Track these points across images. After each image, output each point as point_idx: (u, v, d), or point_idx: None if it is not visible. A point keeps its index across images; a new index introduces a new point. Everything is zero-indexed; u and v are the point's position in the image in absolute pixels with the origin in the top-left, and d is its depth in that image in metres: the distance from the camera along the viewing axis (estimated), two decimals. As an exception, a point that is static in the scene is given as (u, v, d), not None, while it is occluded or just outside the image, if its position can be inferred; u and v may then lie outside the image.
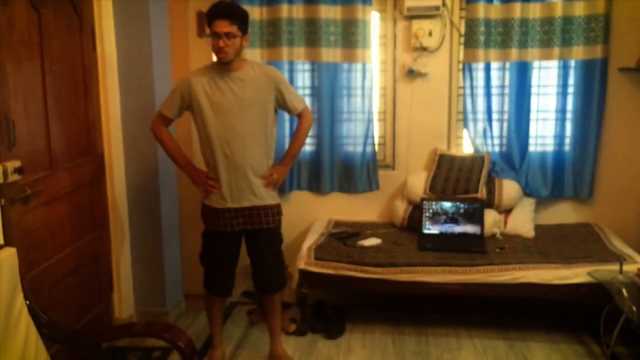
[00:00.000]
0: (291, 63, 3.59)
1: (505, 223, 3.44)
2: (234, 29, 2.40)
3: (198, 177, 2.58)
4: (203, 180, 2.55)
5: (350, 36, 3.55)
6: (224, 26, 2.38)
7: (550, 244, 3.24)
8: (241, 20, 2.44)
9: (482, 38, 3.46)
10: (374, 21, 3.63)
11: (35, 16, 2.32)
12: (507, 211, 3.49)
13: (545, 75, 3.58)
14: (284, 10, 3.48)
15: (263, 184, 2.55)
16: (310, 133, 3.62)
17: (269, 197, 2.58)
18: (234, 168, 2.49)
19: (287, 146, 3.02)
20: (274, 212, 2.59)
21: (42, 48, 2.37)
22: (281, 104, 2.61)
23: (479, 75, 3.55)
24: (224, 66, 2.48)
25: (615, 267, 2.77)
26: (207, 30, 2.51)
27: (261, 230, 2.57)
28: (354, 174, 3.72)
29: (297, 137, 2.72)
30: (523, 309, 3.31)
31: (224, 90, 2.47)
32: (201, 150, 2.60)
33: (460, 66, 3.61)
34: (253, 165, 2.52)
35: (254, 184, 2.53)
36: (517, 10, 3.42)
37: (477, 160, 3.54)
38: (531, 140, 3.62)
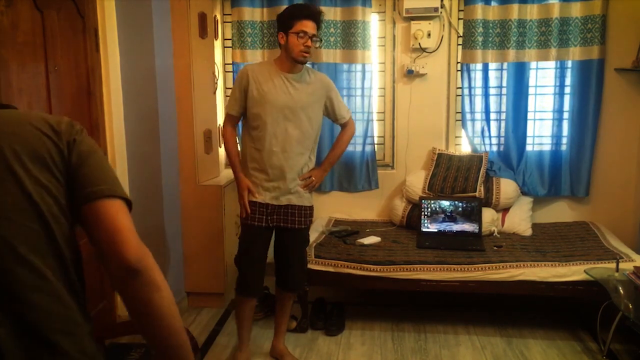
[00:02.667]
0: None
1: (503, 221, 3.47)
2: (318, 33, 2.48)
3: (241, 189, 2.57)
4: (243, 196, 2.55)
5: (350, 37, 3.58)
6: (313, 28, 2.45)
7: (548, 242, 3.27)
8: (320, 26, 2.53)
9: (480, 39, 3.49)
10: (374, 22, 3.67)
11: (39, 17, 2.34)
12: (505, 210, 3.52)
13: (543, 76, 3.62)
14: (284, 11, 3.51)
15: (301, 185, 2.58)
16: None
17: (305, 199, 2.61)
18: (279, 166, 2.52)
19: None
20: (307, 213, 2.64)
21: (45, 49, 2.39)
22: (329, 112, 2.66)
23: (477, 76, 3.58)
24: (285, 65, 2.50)
25: (611, 265, 2.80)
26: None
27: (293, 230, 2.61)
28: (353, 173, 3.76)
29: (338, 145, 2.76)
30: (521, 306, 3.34)
31: (279, 90, 2.49)
32: (245, 143, 2.59)
33: (459, 67, 3.64)
34: (298, 166, 2.55)
35: (295, 184, 2.56)
36: (514, 12, 3.45)
37: (475, 159, 3.57)
38: (528, 140, 3.67)
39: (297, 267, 2.71)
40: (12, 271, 0.87)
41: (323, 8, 3.52)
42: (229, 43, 3.75)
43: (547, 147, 3.68)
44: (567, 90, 3.58)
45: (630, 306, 2.54)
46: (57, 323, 0.91)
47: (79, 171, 0.96)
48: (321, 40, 2.54)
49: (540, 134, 3.69)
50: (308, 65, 2.62)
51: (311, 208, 2.67)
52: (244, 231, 2.65)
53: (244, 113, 2.58)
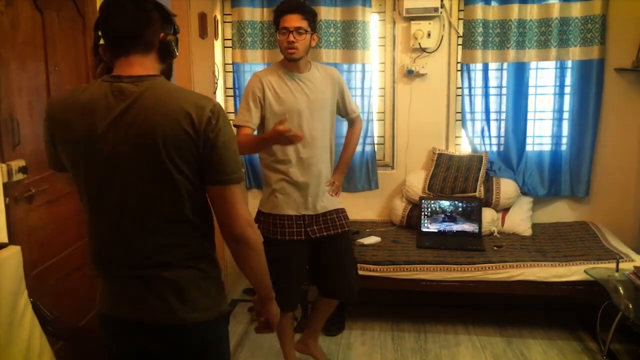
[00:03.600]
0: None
1: (503, 221, 3.47)
2: (304, 24, 2.31)
3: (279, 135, 2.11)
4: (282, 134, 2.09)
5: (350, 37, 3.58)
6: (294, 20, 2.29)
7: (548, 242, 3.27)
8: (311, 16, 2.35)
9: (480, 39, 3.49)
10: (374, 22, 3.66)
11: (39, 17, 2.34)
12: (505, 210, 3.52)
13: (543, 76, 3.63)
14: (284, 11, 3.51)
15: (329, 191, 2.47)
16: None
17: (337, 202, 2.51)
18: (309, 173, 2.38)
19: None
20: (345, 215, 2.52)
21: (45, 48, 2.38)
22: (340, 107, 2.53)
23: (477, 76, 3.58)
24: (292, 66, 2.36)
25: (611, 265, 2.81)
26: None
27: (339, 235, 2.46)
28: (353, 173, 3.75)
29: (351, 143, 2.65)
30: (520, 306, 3.34)
31: (296, 92, 2.35)
32: (263, 160, 2.44)
33: (459, 67, 3.64)
34: (325, 169, 2.45)
35: (326, 189, 2.45)
36: (514, 12, 3.45)
37: (475, 159, 3.57)
38: (528, 140, 3.67)
39: (351, 272, 2.56)
40: (155, 234, 1.33)
41: (323, 8, 3.54)
42: (229, 43, 3.75)
43: (547, 147, 3.68)
44: (567, 90, 3.58)
45: (630, 306, 2.54)
46: (189, 259, 1.37)
47: (210, 160, 1.30)
48: (307, 31, 2.31)
49: (540, 134, 3.69)
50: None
51: (345, 210, 2.55)
52: (275, 247, 2.28)
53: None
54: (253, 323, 3.22)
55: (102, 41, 1.37)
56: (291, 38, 2.29)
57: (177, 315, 1.35)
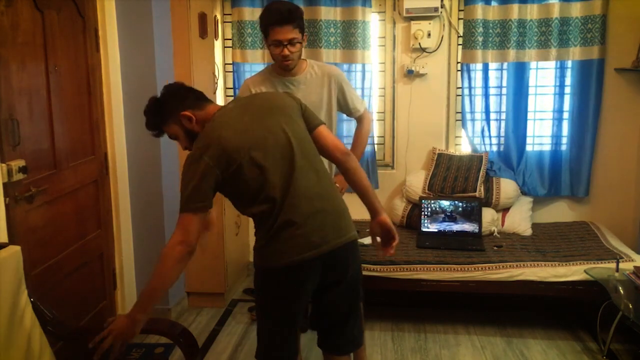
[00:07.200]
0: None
1: (503, 221, 3.47)
2: (296, 32, 2.14)
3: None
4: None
5: (350, 37, 3.58)
6: (287, 32, 2.12)
7: (548, 242, 3.27)
8: (301, 20, 2.17)
9: (480, 39, 3.49)
10: (374, 22, 3.67)
11: (39, 17, 2.34)
12: (505, 210, 3.52)
13: (543, 76, 3.63)
14: (284, 11, 3.51)
15: None
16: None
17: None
18: None
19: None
20: None
21: (46, 49, 2.39)
22: (342, 105, 2.40)
23: (477, 76, 3.59)
24: (284, 70, 2.25)
25: (611, 265, 2.81)
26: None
27: None
28: (353, 173, 3.74)
29: (359, 143, 2.48)
30: (520, 306, 3.34)
31: None
32: None
33: (459, 67, 3.64)
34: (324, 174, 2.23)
35: None
36: (514, 12, 3.45)
37: (475, 159, 3.58)
38: (528, 140, 3.67)
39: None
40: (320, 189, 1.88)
41: (323, 8, 3.54)
42: (229, 43, 3.75)
43: (547, 147, 3.68)
44: (567, 90, 3.58)
45: (630, 306, 2.54)
46: (323, 190, 1.89)
47: (305, 116, 1.88)
48: (300, 40, 2.18)
49: (540, 134, 3.69)
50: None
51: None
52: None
53: None
54: (253, 323, 3.23)
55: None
56: (286, 52, 2.16)
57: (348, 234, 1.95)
